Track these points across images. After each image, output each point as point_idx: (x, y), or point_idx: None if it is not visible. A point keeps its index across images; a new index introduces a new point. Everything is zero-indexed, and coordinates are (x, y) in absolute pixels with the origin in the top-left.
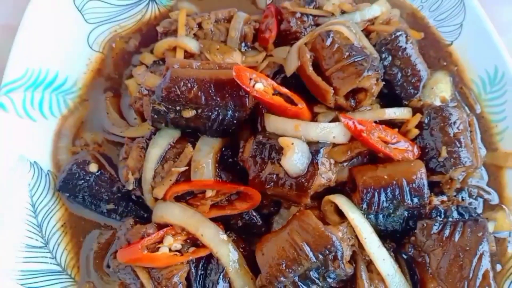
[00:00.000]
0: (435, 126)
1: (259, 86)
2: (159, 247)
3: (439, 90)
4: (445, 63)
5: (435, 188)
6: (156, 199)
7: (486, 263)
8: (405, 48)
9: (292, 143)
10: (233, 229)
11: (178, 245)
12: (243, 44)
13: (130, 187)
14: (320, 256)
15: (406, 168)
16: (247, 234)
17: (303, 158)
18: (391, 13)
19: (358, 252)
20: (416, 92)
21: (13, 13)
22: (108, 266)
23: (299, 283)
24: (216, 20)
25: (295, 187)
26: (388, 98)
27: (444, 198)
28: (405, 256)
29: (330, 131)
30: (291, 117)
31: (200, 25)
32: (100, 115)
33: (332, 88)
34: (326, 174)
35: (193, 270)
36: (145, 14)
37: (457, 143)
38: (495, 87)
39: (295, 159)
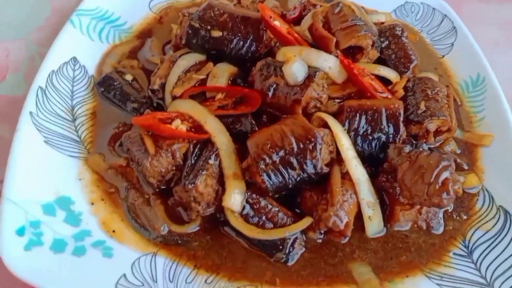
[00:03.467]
0: (417, 89)
1: (276, 23)
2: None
3: None
4: (435, 68)
5: None
6: (174, 98)
7: (447, 174)
8: (400, 37)
9: (294, 55)
10: (232, 134)
11: (183, 128)
12: None
13: (156, 87)
14: (301, 145)
15: (387, 101)
16: (242, 143)
17: (301, 69)
18: (395, 22)
19: (335, 161)
20: (406, 70)
21: None
22: (120, 145)
23: (280, 166)
24: (253, 0)
25: (291, 95)
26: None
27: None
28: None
29: (328, 61)
30: None
31: (239, 1)
32: (145, 49)
33: (335, 39)
34: (318, 91)
35: (191, 148)
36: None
37: (435, 101)
38: (477, 88)
39: (294, 67)
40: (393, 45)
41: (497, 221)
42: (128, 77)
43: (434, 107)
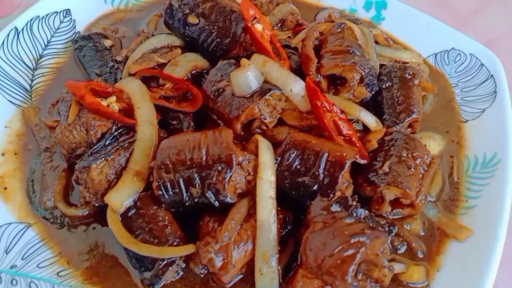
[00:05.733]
0: (393, 148)
1: (258, 26)
2: (101, 100)
3: (427, 144)
4: (448, 132)
5: (364, 206)
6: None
7: (353, 252)
8: (408, 82)
9: (250, 64)
10: (169, 129)
11: (115, 107)
12: (278, 25)
13: (119, 58)
14: (210, 162)
15: (336, 147)
16: None
17: (251, 81)
18: (420, 66)
19: (251, 197)
20: (398, 122)
21: None
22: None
23: (181, 179)
24: (271, 0)
25: (231, 107)
26: None
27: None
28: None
29: (291, 82)
30: None
31: None
32: (144, 22)
33: (318, 61)
34: (264, 112)
35: (113, 130)
36: None
37: (406, 167)
38: (485, 170)
39: (243, 76)
40: (396, 89)
41: None
42: (107, 43)
43: (400, 172)
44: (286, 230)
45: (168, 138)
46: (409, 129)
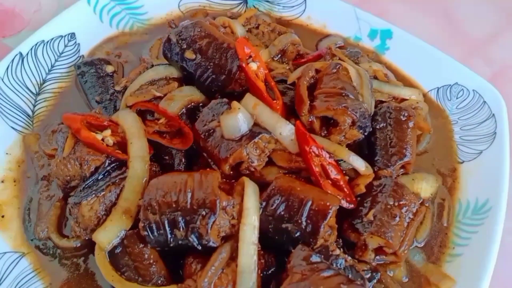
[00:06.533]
0: (381, 195)
1: (253, 65)
2: (96, 133)
3: (419, 186)
4: (444, 172)
5: (349, 251)
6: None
7: None
8: (403, 124)
9: (240, 108)
10: (161, 164)
11: (110, 141)
12: (279, 55)
13: (118, 88)
14: (195, 207)
15: (321, 195)
16: None
17: (241, 125)
18: (419, 103)
19: (234, 241)
20: (390, 165)
21: None
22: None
23: (166, 221)
24: (273, 30)
25: (221, 148)
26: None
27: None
28: None
29: (280, 125)
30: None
31: (258, 26)
32: (147, 46)
33: (310, 103)
34: (252, 155)
35: (106, 164)
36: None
37: (391, 216)
38: (475, 216)
39: (233, 120)
40: (390, 130)
41: None
42: (109, 69)
43: (384, 221)
44: (269, 272)
45: (157, 178)
46: (402, 170)
